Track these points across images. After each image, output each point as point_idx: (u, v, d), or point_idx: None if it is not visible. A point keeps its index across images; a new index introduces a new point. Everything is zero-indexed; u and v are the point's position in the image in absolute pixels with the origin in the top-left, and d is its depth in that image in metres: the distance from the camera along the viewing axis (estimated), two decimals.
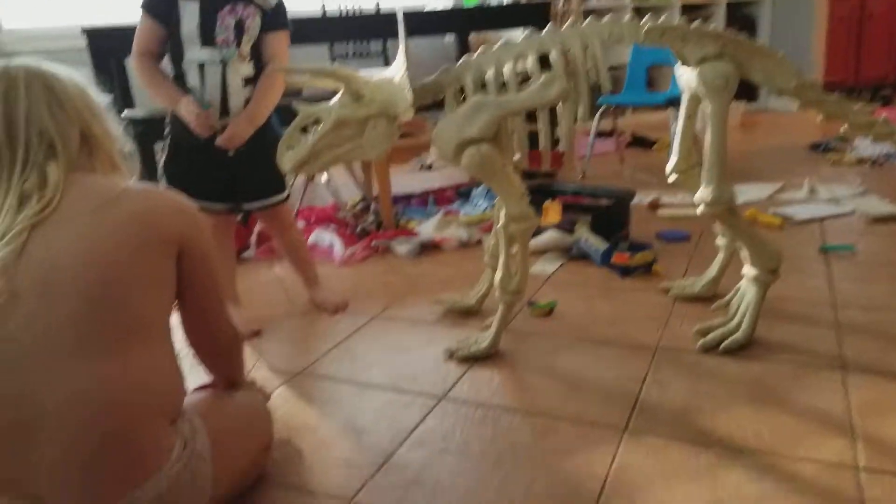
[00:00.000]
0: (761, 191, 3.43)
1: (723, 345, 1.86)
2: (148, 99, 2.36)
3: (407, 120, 1.80)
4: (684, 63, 1.85)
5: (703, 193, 1.84)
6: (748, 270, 1.92)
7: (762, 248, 1.88)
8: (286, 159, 1.75)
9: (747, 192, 3.35)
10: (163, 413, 1.19)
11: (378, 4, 4.79)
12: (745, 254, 1.92)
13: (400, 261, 2.87)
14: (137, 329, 1.16)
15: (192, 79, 2.02)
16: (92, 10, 4.35)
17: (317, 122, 1.75)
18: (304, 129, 1.76)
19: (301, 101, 1.91)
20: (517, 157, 1.87)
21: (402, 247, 2.92)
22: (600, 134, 4.28)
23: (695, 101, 1.97)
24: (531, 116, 1.83)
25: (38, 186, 1.13)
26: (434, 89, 1.86)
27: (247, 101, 2.07)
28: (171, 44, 2.02)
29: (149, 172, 3.04)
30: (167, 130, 2.15)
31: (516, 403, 1.70)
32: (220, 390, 1.46)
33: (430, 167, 4.63)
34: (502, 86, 1.82)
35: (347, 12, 4.48)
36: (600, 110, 4.02)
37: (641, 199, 3.24)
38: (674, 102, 3.47)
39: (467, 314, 2.24)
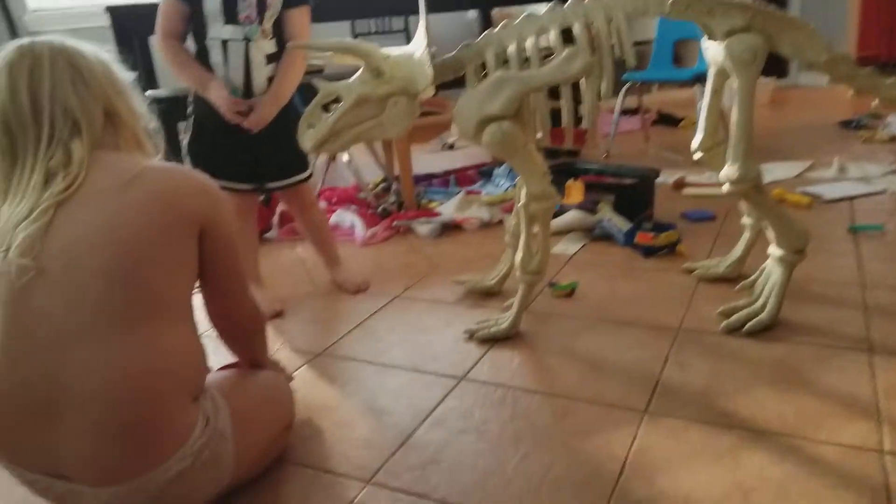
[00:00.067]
0: (790, 169, 3.36)
1: (747, 326, 1.83)
2: (171, 78, 2.37)
3: (428, 97, 1.78)
4: (710, 37, 1.80)
5: (729, 171, 1.80)
6: (774, 250, 1.89)
7: (789, 228, 1.84)
8: (307, 138, 1.75)
9: (775, 171, 3.29)
10: (185, 390, 1.20)
11: None
12: (770, 233, 1.88)
13: (421, 241, 2.86)
14: (158, 307, 1.17)
15: (216, 56, 2.02)
16: None
17: (337, 100, 1.75)
18: (325, 108, 1.76)
19: (322, 79, 1.90)
20: (539, 135, 1.85)
21: (423, 227, 2.92)
22: (625, 111, 4.22)
23: (722, 75, 1.92)
24: (554, 93, 1.80)
25: (64, 164, 1.14)
26: (455, 66, 1.83)
27: (269, 79, 2.07)
28: (193, 21, 2.02)
29: (173, 151, 3.06)
30: (190, 110, 2.16)
31: (536, 384, 1.70)
32: (243, 370, 1.48)
33: (452, 146, 4.61)
34: (525, 61, 1.78)
35: None
36: (625, 87, 3.96)
37: (666, 178, 3.19)
38: (701, 78, 3.37)
39: (488, 295, 2.24)
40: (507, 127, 1.76)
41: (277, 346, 1.99)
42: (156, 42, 2.06)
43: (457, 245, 2.78)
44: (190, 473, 1.16)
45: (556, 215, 2.66)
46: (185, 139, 2.20)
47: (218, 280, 1.31)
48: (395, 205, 3.20)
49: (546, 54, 1.79)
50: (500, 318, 1.97)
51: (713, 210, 2.83)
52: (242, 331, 1.45)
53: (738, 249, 2.18)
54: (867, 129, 4.04)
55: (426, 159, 3.95)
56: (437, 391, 1.69)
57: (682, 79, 4.10)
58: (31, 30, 4.46)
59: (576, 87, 1.80)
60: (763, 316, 1.84)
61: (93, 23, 3.68)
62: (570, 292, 2.20)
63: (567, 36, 1.78)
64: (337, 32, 4.76)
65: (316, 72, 3.35)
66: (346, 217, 3.08)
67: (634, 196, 2.81)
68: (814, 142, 3.91)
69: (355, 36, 4.90)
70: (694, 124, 3.27)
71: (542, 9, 1.80)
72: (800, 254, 1.85)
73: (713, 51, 1.84)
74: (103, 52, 1.25)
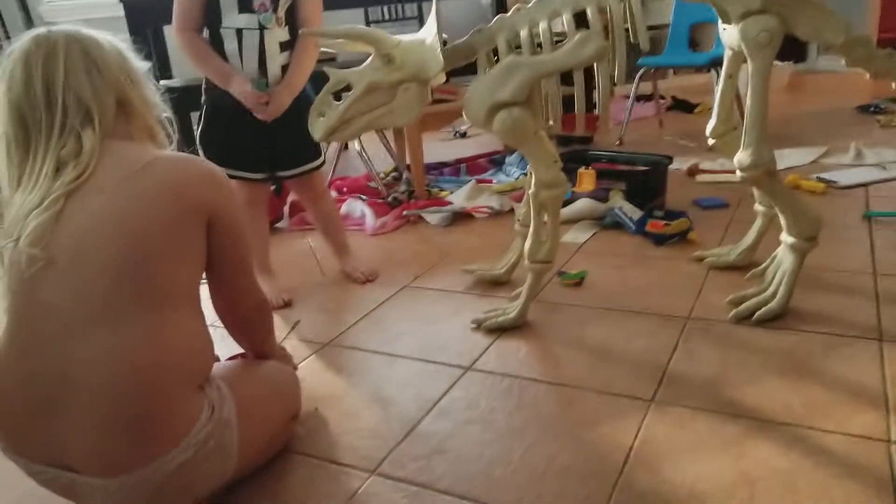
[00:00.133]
0: (805, 155, 3.32)
1: (756, 314, 1.81)
2: (185, 67, 2.37)
3: (439, 84, 1.77)
4: (725, 20, 1.75)
5: (741, 156, 1.77)
6: (785, 238, 1.86)
7: (801, 215, 1.82)
8: (317, 126, 1.74)
9: (790, 157, 3.25)
10: (190, 380, 1.21)
11: None
12: (782, 220, 1.86)
13: (431, 230, 2.86)
14: (166, 298, 1.17)
15: (230, 45, 2.02)
16: None
17: (347, 87, 1.74)
18: (336, 96, 1.75)
19: (333, 66, 1.90)
20: (551, 123, 1.83)
21: (433, 216, 2.92)
22: (639, 97, 4.18)
23: (737, 59, 1.88)
24: (567, 79, 1.77)
25: (75, 153, 1.15)
26: (466, 52, 1.81)
27: (283, 67, 2.07)
28: (208, 10, 2.02)
29: (186, 141, 3.08)
30: (203, 99, 2.17)
31: (542, 374, 1.70)
32: (249, 360, 1.49)
33: (464, 134, 4.59)
34: (537, 46, 1.75)
35: None
36: (640, 73, 3.92)
37: (680, 165, 3.17)
38: (718, 63, 3.34)
39: (497, 284, 2.24)
40: (517, 113, 1.73)
41: (286, 335, 2.00)
42: (173, 35, 2.06)
43: (467, 234, 2.78)
44: (195, 463, 1.16)
45: (566, 203, 2.65)
46: (197, 129, 2.21)
47: (224, 270, 1.32)
48: (406, 194, 3.20)
49: (559, 39, 1.76)
50: (507, 308, 1.96)
51: (726, 197, 2.80)
52: (249, 321, 1.45)
53: (750, 237, 2.16)
54: (885, 113, 3.98)
55: (438, 147, 3.94)
56: (443, 381, 1.69)
57: (698, 64, 4.05)
58: (47, 20, 4.50)
59: (589, 72, 1.76)
60: (773, 304, 1.82)
61: (107, 13, 3.70)
62: (578, 282, 2.19)
63: (581, 20, 1.74)
64: (350, 20, 4.76)
65: (329, 59, 3.35)
66: (356, 206, 3.08)
67: (646, 184, 2.79)
68: (831, 127, 3.86)
69: (368, 23, 4.89)
70: (709, 110, 3.24)
71: None
72: (812, 241, 1.82)
73: (729, 34, 1.80)
74: (119, 41, 1.26)
